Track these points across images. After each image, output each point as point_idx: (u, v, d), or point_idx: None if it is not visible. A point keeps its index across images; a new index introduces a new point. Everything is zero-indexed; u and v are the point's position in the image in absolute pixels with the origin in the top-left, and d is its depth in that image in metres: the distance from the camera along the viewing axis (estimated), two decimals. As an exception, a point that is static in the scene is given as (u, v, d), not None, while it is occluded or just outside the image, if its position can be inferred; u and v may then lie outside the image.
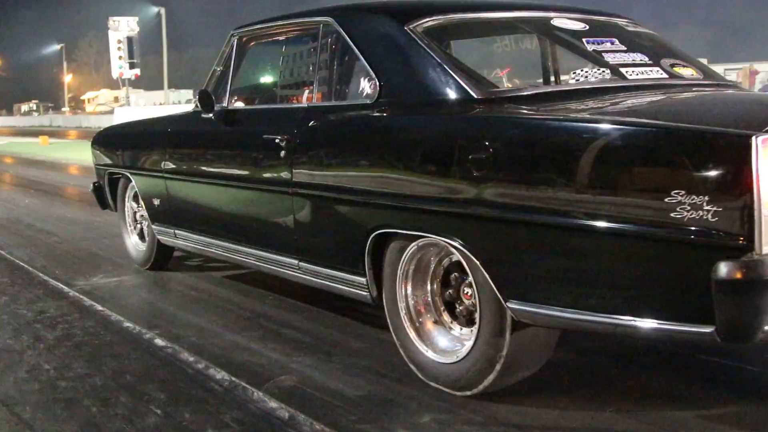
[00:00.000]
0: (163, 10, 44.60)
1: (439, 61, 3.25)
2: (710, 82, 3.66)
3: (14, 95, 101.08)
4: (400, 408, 3.06)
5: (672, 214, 2.28)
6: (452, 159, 2.91)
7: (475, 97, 3.09)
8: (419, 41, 3.33)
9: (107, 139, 6.01)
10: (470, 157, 2.82)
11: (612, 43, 3.61)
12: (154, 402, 3.20)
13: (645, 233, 2.37)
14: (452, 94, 3.14)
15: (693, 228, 2.25)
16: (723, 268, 2.21)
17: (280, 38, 4.47)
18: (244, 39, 4.52)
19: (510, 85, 4.27)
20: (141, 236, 5.73)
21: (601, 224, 2.46)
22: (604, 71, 3.42)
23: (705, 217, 2.22)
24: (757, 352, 3.53)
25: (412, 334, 3.32)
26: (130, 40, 35.72)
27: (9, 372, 3.63)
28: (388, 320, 3.43)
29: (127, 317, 4.42)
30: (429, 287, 3.33)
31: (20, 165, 18.35)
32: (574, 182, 2.54)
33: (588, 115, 2.83)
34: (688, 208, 2.25)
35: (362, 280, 3.47)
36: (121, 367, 3.63)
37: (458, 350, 3.14)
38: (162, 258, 5.58)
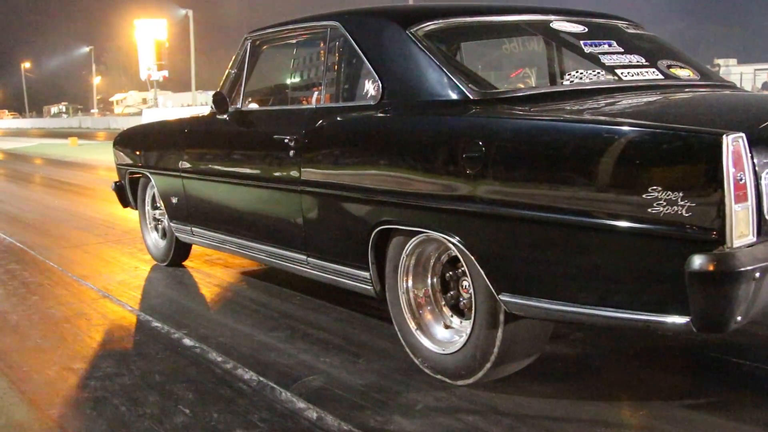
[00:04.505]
0: (190, 12, 44.86)
1: (438, 63, 3.37)
2: (706, 82, 3.74)
3: (44, 97, 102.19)
4: (429, 410, 3.05)
5: (649, 210, 2.41)
6: (448, 158, 3.08)
7: (471, 98, 3.19)
8: (419, 44, 3.45)
9: (128, 140, 6.17)
10: (464, 155, 2.95)
11: (610, 45, 3.71)
12: (182, 401, 3.21)
13: (625, 228, 2.49)
14: (449, 95, 3.27)
15: (668, 223, 2.38)
16: (696, 261, 2.33)
17: (291, 41, 4.59)
18: (257, 42, 4.64)
19: (522, 86, 4.35)
20: (161, 234, 5.89)
21: (584, 220, 2.59)
22: (599, 72, 3.51)
23: (680, 213, 2.36)
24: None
25: (412, 326, 3.47)
26: (158, 42, 35.92)
27: (39, 371, 3.65)
28: (391, 313, 3.56)
29: (156, 317, 4.44)
30: (429, 281, 3.47)
31: (50, 166, 18.54)
32: (558, 180, 2.68)
33: (573, 116, 2.92)
34: (664, 203, 2.38)
35: (366, 274, 3.61)
36: (149, 367, 3.65)
37: (456, 341, 3.29)
38: (180, 255, 5.77)
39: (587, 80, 3.46)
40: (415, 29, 3.52)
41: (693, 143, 2.40)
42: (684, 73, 3.77)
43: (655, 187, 2.40)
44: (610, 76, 3.48)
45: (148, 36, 37.59)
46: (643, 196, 2.42)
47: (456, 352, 3.24)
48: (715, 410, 2.98)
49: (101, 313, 4.63)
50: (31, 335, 4.23)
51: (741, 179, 2.31)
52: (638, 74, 3.54)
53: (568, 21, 3.90)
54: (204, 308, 4.69)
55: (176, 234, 5.46)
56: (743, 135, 2.33)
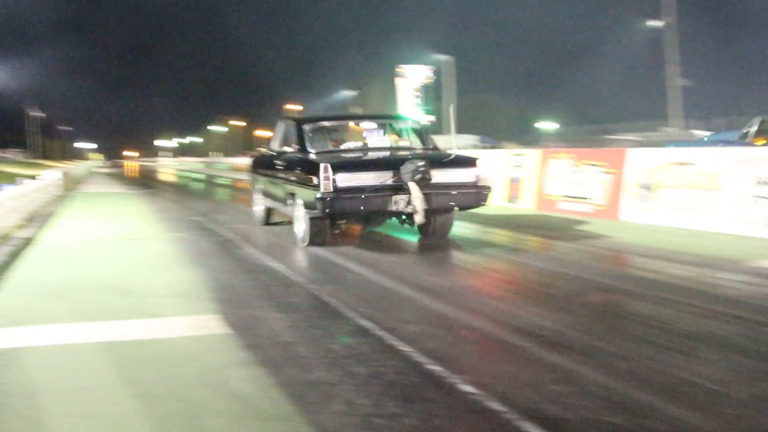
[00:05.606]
0: (452, 59, 46.39)
1: (306, 140, 10.07)
2: (417, 148, 10.35)
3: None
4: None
5: (312, 182, 8.93)
6: (299, 170, 9.72)
7: (312, 152, 9.82)
8: (304, 132, 10.21)
9: (252, 160, 13.71)
10: (299, 169, 9.71)
11: (378, 132, 10.48)
12: (466, 449, 3.20)
13: (306, 187, 9.16)
14: (305, 151, 9.96)
15: (313, 186, 8.88)
16: (315, 195, 8.74)
17: (288, 125, 11.12)
18: (283, 121, 11.52)
19: (341, 150, 10.25)
20: (261, 210, 12.33)
21: (300, 185, 9.51)
22: (365, 143, 10.25)
23: (314, 183, 8.84)
24: None
25: (298, 230, 9.69)
26: (424, 87, 37.82)
27: (328, 404, 3.81)
28: (294, 225, 9.97)
29: (436, 361, 4.45)
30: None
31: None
32: (297, 174, 9.77)
33: (312, 157, 9.61)
34: (313, 181, 8.90)
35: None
36: (430, 410, 3.69)
37: (301, 232, 9.57)
38: (268, 220, 12.18)
39: (355, 146, 10.18)
40: (303, 125, 10.36)
41: (316, 165, 8.91)
42: (405, 142, 10.56)
43: (309, 177, 9.05)
44: (367, 144, 10.22)
45: (407, 81, 39.13)
46: (309, 180, 9.00)
47: (302, 234, 9.41)
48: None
49: (382, 353, 4.71)
50: (315, 368, 4.42)
51: (326, 176, 8.68)
52: (380, 144, 10.21)
53: (371, 121, 10.84)
54: (480, 354, 4.66)
55: (264, 203, 11.98)
56: (328, 163, 8.79)
